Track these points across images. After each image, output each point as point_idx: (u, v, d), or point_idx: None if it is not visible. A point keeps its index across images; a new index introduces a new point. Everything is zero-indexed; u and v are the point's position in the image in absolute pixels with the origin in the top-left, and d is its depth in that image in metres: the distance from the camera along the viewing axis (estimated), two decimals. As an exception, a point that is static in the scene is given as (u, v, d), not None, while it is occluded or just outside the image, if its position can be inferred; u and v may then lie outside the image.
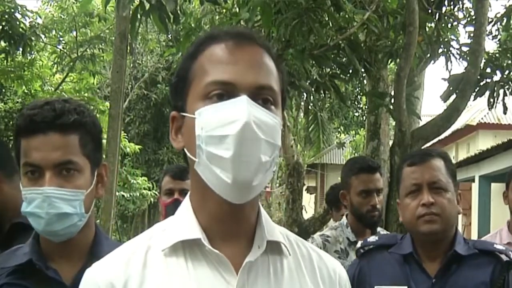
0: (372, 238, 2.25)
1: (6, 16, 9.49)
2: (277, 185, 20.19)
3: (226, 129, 1.05)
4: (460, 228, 17.11)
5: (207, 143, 1.08)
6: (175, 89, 1.17)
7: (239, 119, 1.05)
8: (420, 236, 2.03)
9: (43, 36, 13.29)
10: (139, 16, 4.87)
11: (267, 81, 1.11)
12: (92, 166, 1.54)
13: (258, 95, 1.09)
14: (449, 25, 6.92)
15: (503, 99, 6.14)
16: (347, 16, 5.62)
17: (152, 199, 17.59)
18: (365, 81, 9.55)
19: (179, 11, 5.13)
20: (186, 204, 1.18)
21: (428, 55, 6.16)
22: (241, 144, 1.05)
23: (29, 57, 12.53)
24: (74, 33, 14.19)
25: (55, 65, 14.85)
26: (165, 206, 3.03)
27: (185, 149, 1.15)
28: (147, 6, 4.75)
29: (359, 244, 2.25)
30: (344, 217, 3.20)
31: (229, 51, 1.11)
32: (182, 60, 1.18)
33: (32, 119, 1.48)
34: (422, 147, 5.57)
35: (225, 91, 1.08)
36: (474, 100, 6.35)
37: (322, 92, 6.06)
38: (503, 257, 2.01)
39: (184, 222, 1.15)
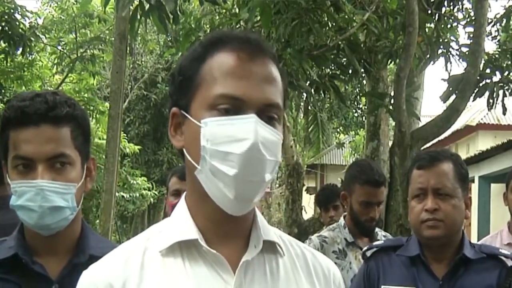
0: (378, 242, 2.26)
1: (6, 17, 9.49)
2: (277, 185, 20.18)
3: (233, 147, 1.06)
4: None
5: (212, 156, 1.08)
6: (179, 87, 1.16)
7: (247, 138, 1.06)
8: (423, 240, 2.05)
9: (43, 37, 13.28)
10: (138, 17, 4.87)
11: (275, 98, 1.12)
12: (82, 160, 1.52)
13: (264, 112, 1.10)
14: (449, 26, 6.92)
15: (503, 99, 6.13)
16: (346, 16, 5.62)
17: (151, 200, 17.58)
18: (364, 82, 9.56)
19: (178, 11, 5.12)
20: (182, 205, 1.19)
21: (428, 55, 6.16)
22: (246, 164, 1.06)
23: (29, 58, 12.53)
24: (74, 34, 14.18)
25: (55, 66, 14.84)
26: (172, 206, 3.03)
27: (185, 151, 1.15)
28: (147, 6, 4.75)
29: (365, 248, 2.27)
30: (342, 217, 3.20)
31: (241, 63, 1.10)
32: (189, 59, 1.17)
33: (23, 111, 1.44)
34: (422, 148, 5.57)
35: (234, 106, 1.09)
36: (473, 100, 6.34)
37: (321, 92, 6.07)
38: (509, 261, 2.02)
39: (180, 223, 1.15)
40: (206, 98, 1.11)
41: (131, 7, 5.18)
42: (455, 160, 2.06)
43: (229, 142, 1.07)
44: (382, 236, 3.16)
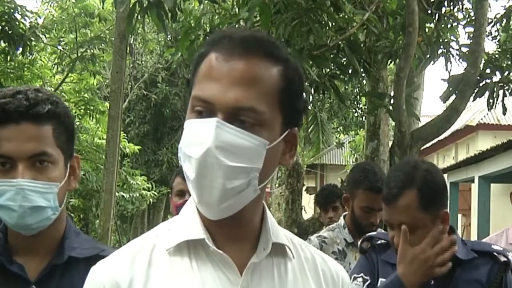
0: (383, 234, 2.26)
1: (6, 17, 9.49)
2: (277, 185, 20.20)
3: (193, 151, 1.06)
4: (459, 228, 17.11)
5: (183, 159, 1.09)
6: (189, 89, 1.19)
7: (204, 142, 1.04)
8: None
9: (43, 37, 13.28)
10: (136, 14, 4.87)
11: (250, 102, 1.06)
12: (65, 158, 1.49)
13: (238, 116, 1.06)
14: (449, 26, 6.93)
15: (503, 99, 6.14)
16: (346, 16, 5.62)
17: (151, 200, 17.56)
18: (364, 82, 9.56)
19: (177, 10, 5.13)
20: (190, 204, 1.18)
21: (428, 55, 6.16)
22: (201, 169, 1.05)
23: (29, 58, 12.52)
24: (74, 33, 14.17)
25: (55, 66, 14.84)
26: (176, 207, 3.02)
27: None
28: (145, 3, 4.75)
29: (369, 234, 2.28)
30: (342, 218, 3.20)
31: (218, 64, 1.08)
32: (194, 60, 1.17)
33: (4, 108, 1.40)
34: (422, 148, 5.57)
35: (205, 109, 1.07)
36: (473, 100, 6.35)
37: (321, 92, 6.06)
38: (501, 257, 2.01)
39: (188, 222, 1.15)
40: (190, 100, 1.11)
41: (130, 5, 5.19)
42: (422, 185, 1.96)
43: (192, 145, 1.06)
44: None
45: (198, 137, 1.06)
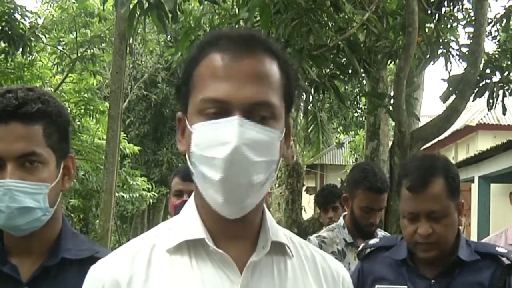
0: (373, 241, 2.25)
1: (6, 17, 9.50)
2: (277, 185, 20.18)
3: (216, 151, 1.06)
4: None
5: (200, 162, 1.09)
6: (180, 92, 1.17)
7: (229, 142, 1.05)
8: (417, 256, 2.03)
9: (43, 37, 13.28)
10: (137, 15, 4.88)
11: (264, 96, 1.09)
12: (57, 158, 1.46)
13: (254, 112, 1.08)
14: (449, 26, 6.93)
15: (503, 99, 6.14)
16: (346, 16, 5.63)
17: (151, 200, 17.56)
18: (364, 82, 9.56)
19: (178, 10, 5.13)
20: (191, 204, 1.19)
21: (428, 55, 6.16)
22: (229, 168, 1.05)
23: (29, 58, 12.52)
24: (74, 33, 14.17)
25: (55, 66, 14.84)
26: (174, 207, 3.02)
27: (187, 155, 1.16)
28: (146, 5, 4.76)
29: (361, 247, 2.27)
30: (342, 218, 3.20)
31: (226, 63, 1.08)
32: (185, 63, 1.17)
33: None
34: (422, 148, 5.57)
35: (220, 109, 1.07)
36: (473, 100, 6.36)
37: (321, 92, 6.07)
38: (505, 260, 2.01)
39: (189, 222, 1.16)
40: (196, 103, 1.10)
41: (130, 6, 5.19)
42: (446, 173, 1.96)
43: (214, 146, 1.06)
44: (382, 235, 3.16)
45: (219, 138, 1.06)
